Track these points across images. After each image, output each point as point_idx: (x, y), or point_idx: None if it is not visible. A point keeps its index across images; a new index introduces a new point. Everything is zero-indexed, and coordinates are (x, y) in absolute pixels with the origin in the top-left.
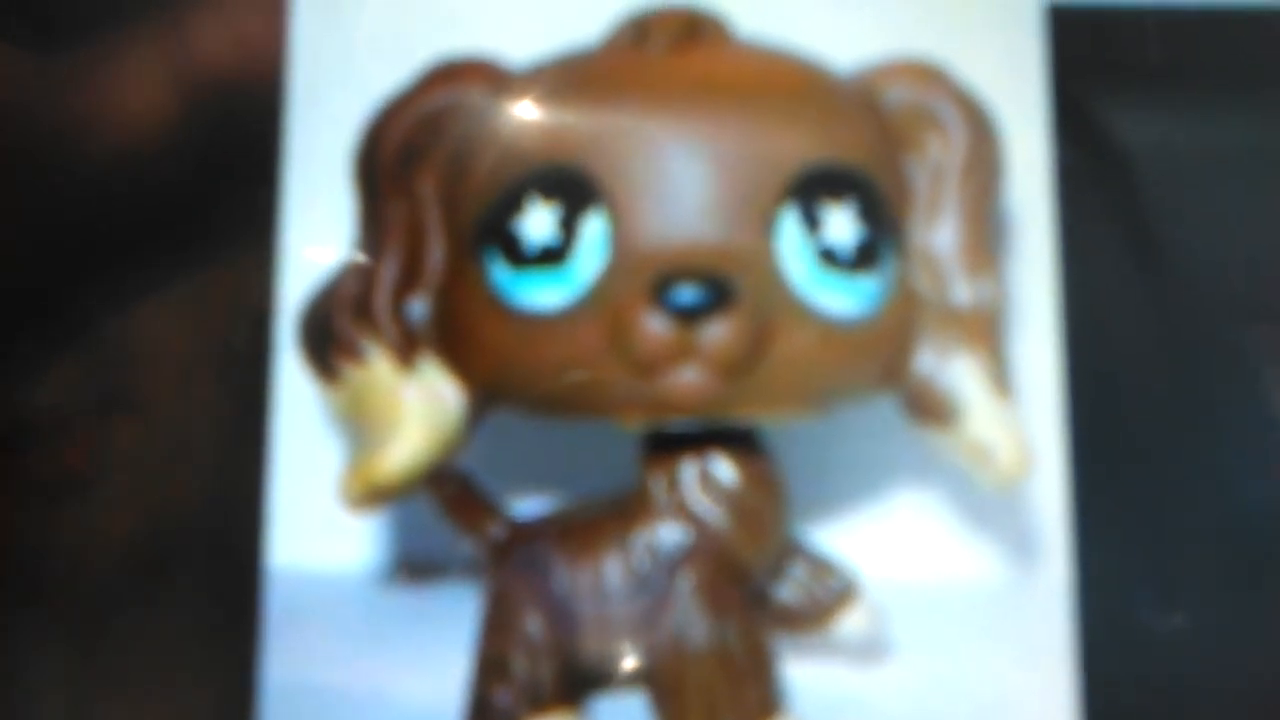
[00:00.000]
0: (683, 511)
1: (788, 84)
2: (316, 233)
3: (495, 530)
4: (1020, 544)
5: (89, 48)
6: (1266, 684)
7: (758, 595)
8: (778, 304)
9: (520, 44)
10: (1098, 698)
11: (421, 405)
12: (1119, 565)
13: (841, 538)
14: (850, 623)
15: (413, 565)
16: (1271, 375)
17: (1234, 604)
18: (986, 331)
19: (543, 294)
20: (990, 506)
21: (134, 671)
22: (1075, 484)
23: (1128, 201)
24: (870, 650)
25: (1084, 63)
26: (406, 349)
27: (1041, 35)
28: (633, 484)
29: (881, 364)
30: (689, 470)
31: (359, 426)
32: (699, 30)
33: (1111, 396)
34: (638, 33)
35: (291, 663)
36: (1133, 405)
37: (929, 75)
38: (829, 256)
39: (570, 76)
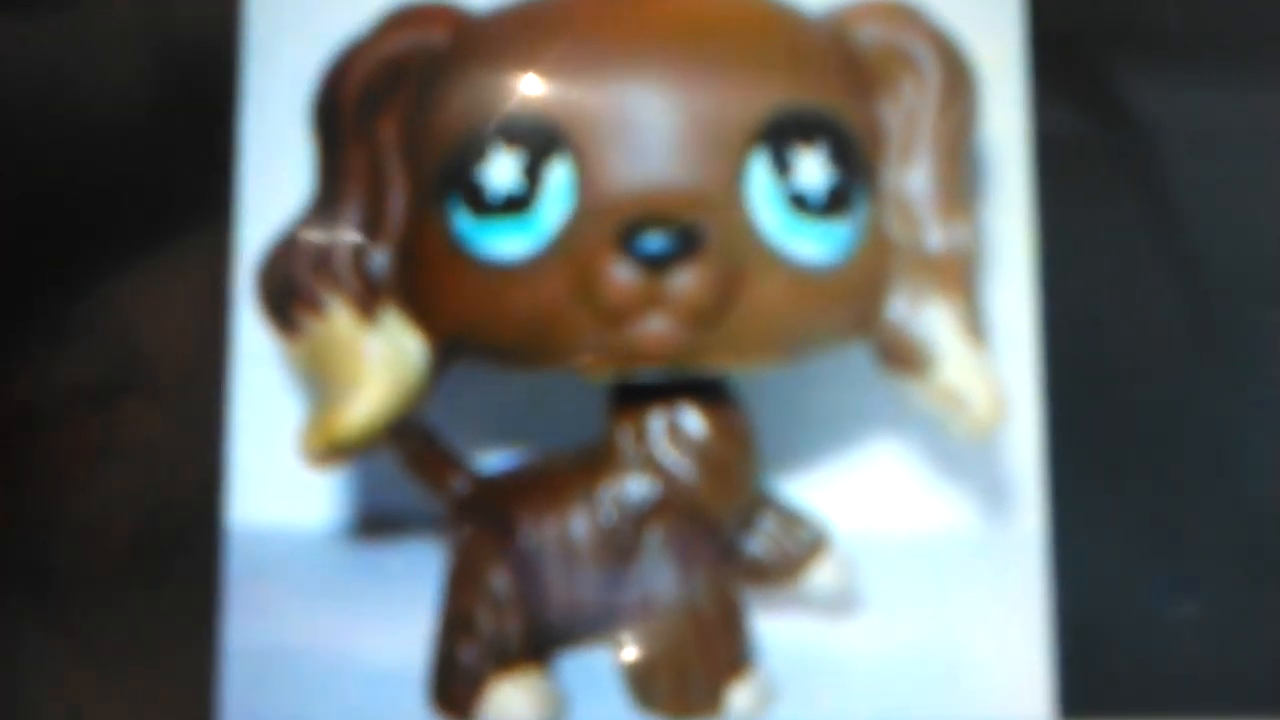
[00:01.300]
0: (650, 464)
1: (756, 25)
2: (275, 184)
3: (459, 485)
4: (994, 494)
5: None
6: (1241, 630)
7: (727, 549)
8: (747, 251)
9: None
10: (1071, 649)
11: (383, 358)
12: (1093, 515)
13: (812, 489)
14: (821, 576)
15: (375, 521)
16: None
17: (1212, 555)
18: (961, 277)
19: (507, 243)
20: (963, 456)
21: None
22: (1050, 432)
23: (1124, 160)
24: (841, 603)
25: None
26: (368, 301)
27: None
28: (599, 436)
29: (853, 311)
30: (657, 422)
31: (319, 380)
32: None
33: (1088, 343)
34: None
35: (254, 622)
36: (1110, 352)
37: (902, 14)
38: (800, 201)
39: (533, 20)
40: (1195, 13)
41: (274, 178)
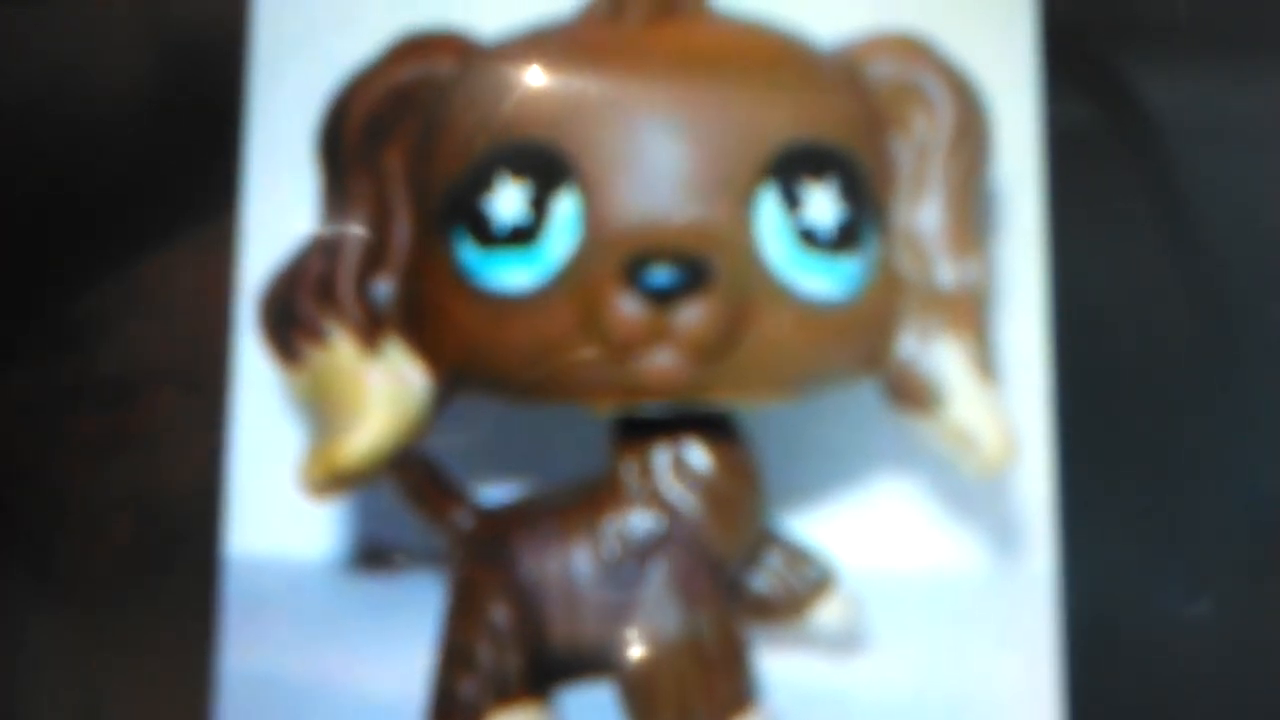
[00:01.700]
0: (655, 499)
1: (767, 58)
2: (279, 212)
3: (461, 518)
4: (1003, 533)
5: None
6: (1255, 675)
7: (732, 585)
8: (755, 285)
9: (491, 16)
10: (1081, 690)
11: (385, 389)
12: (1104, 555)
13: (819, 526)
14: (827, 614)
15: (376, 553)
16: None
17: (1223, 594)
18: (971, 314)
19: (512, 274)
20: (973, 495)
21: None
22: (1061, 471)
23: (1143, 169)
24: (847, 642)
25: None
26: (371, 331)
27: (1035, 10)
28: (603, 470)
29: (862, 348)
30: (662, 456)
31: (321, 410)
32: (676, 1)
33: (1100, 382)
34: (613, 4)
35: (250, 652)
36: (1122, 392)
37: (914, 49)
38: (809, 237)
39: (542, 50)
40: (1206, 6)
41: (278, 205)
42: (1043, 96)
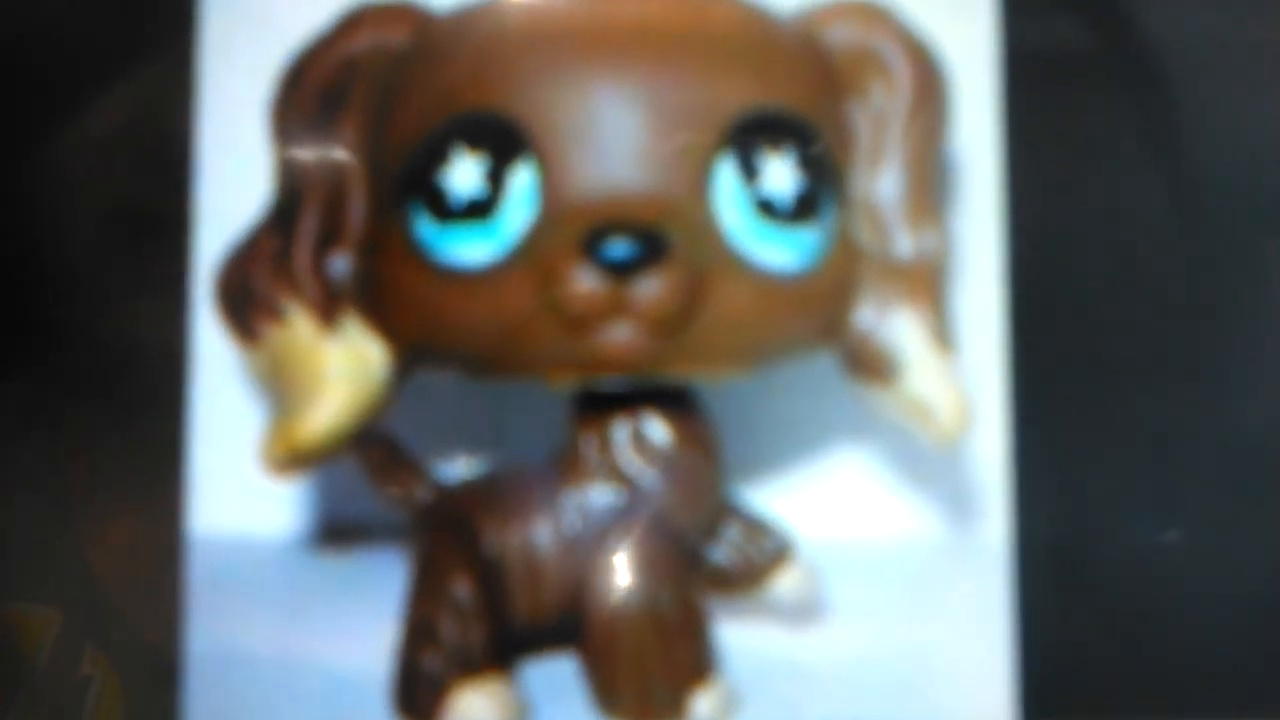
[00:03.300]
0: (615, 473)
1: (724, 26)
2: (233, 189)
3: (422, 493)
4: (959, 502)
5: None
6: (1208, 644)
7: (692, 557)
8: (713, 257)
9: None
10: (1034, 655)
11: (344, 366)
12: (1058, 524)
13: (777, 498)
14: (785, 584)
15: (338, 530)
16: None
17: (1175, 564)
18: (929, 285)
19: (469, 249)
20: (928, 463)
21: None
22: (1016, 439)
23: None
24: (805, 611)
25: None
26: (328, 307)
27: None
28: (563, 445)
29: (820, 319)
30: (621, 430)
31: (280, 388)
32: None
33: (1056, 351)
34: None
35: (216, 630)
36: (1078, 361)
37: (872, 15)
38: (767, 207)
39: (497, 20)
40: None
41: (232, 181)
42: (1005, 56)
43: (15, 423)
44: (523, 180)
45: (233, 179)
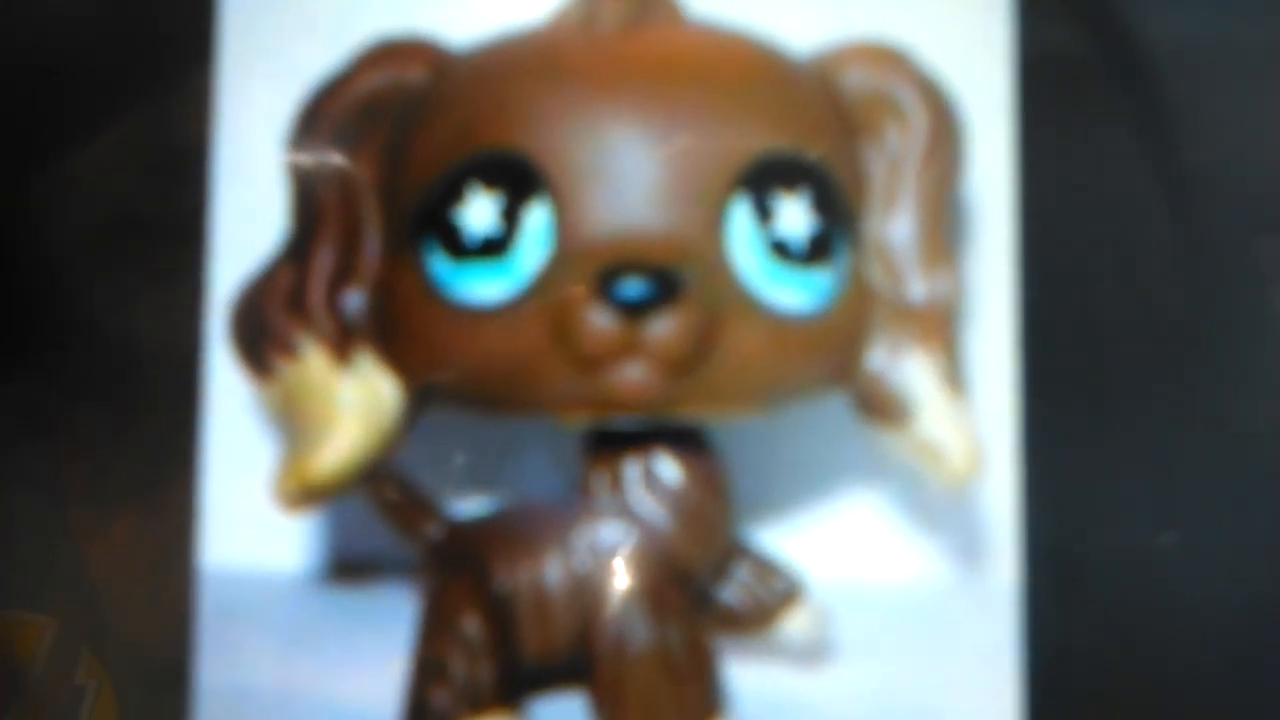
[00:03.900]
0: (626, 511)
1: (741, 68)
2: (250, 223)
3: (433, 530)
4: (969, 546)
5: None
6: (1211, 685)
7: (701, 596)
8: (726, 298)
9: (462, 22)
10: (1042, 700)
11: (357, 402)
12: (1068, 571)
13: (787, 538)
14: (794, 625)
15: (349, 565)
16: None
17: (1179, 611)
18: (941, 328)
19: (483, 286)
20: (939, 506)
21: None
22: (1027, 484)
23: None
24: (814, 652)
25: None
26: (342, 343)
27: (1011, 19)
28: (575, 483)
29: (832, 361)
30: (633, 469)
31: (293, 423)
32: (650, 9)
33: (1068, 395)
34: (586, 12)
35: (226, 663)
36: (1089, 405)
37: (889, 59)
38: (781, 249)
39: (514, 58)
40: None
41: (249, 216)
42: (1020, 105)
43: (20, 434)
44: (538, 219)
45: (249, 212)
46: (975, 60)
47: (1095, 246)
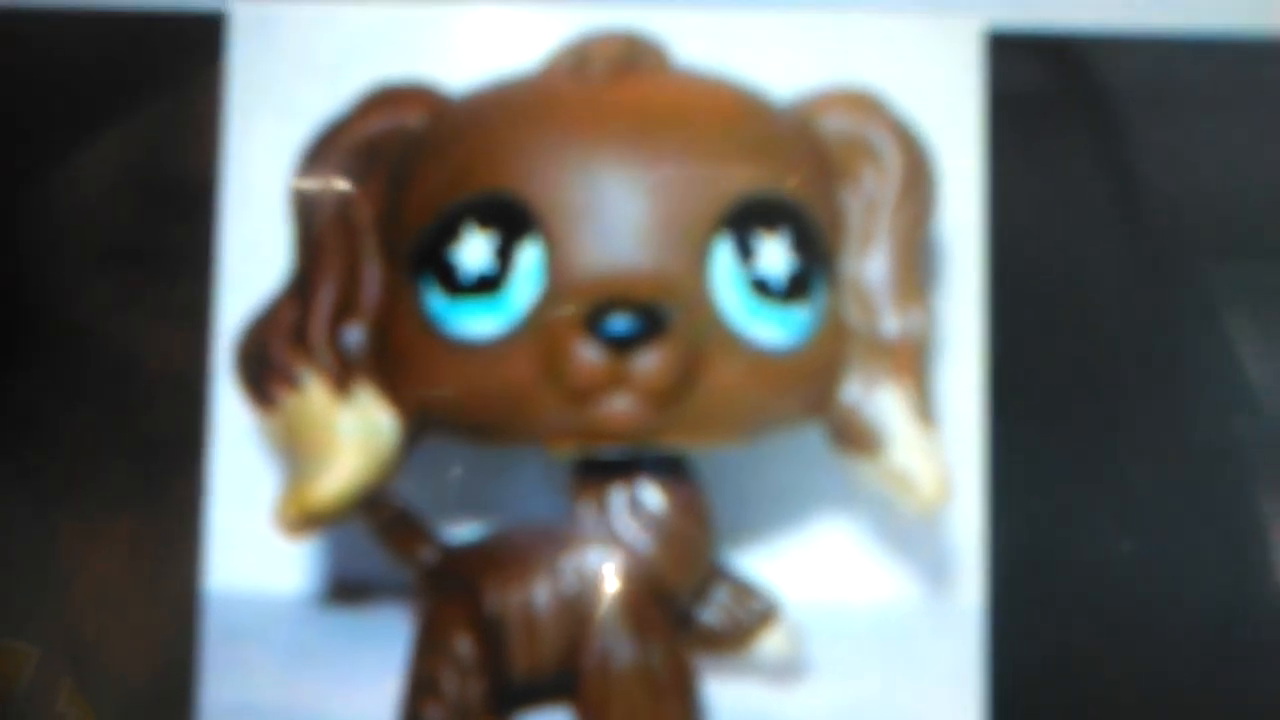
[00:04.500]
0: (611, 537)
1: (724, 113)
2: (255, 260)
3: (428, 554)
4: (937, 570)
5: None
6: (1169, 697)
7: (682, 617)
8: (709, 333)
9: (459, 70)
10: (1005, 715)
11: (357, 432)
12: (1031, 593)
13: (765, 562)
14: (771, 644)
15: (347, 588)
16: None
17: (1144, 630)
18: (913, 363)
19: (478, 322)
20: (909, 533)
21: None
22: (993, 510)
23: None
24: (790, 670)
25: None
26: (342, 376)
27: (980, 66)
28: (563, 510)
29: (810, 394)
30: (618, 497)
31: (295, 452)
32: (638, 57)
33: (1033, 430)
34: (577, 59)
35: (229, 682)
36: (1053, 439)
37: (865, 105)
38: (761, 287)
39: (508, 104)
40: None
41: (254, 254)
42: (990, 149)
43: (10, 458)
44: (530, 257)
45: (257, 230)
46: (946, 101)
47: (1059, 277)
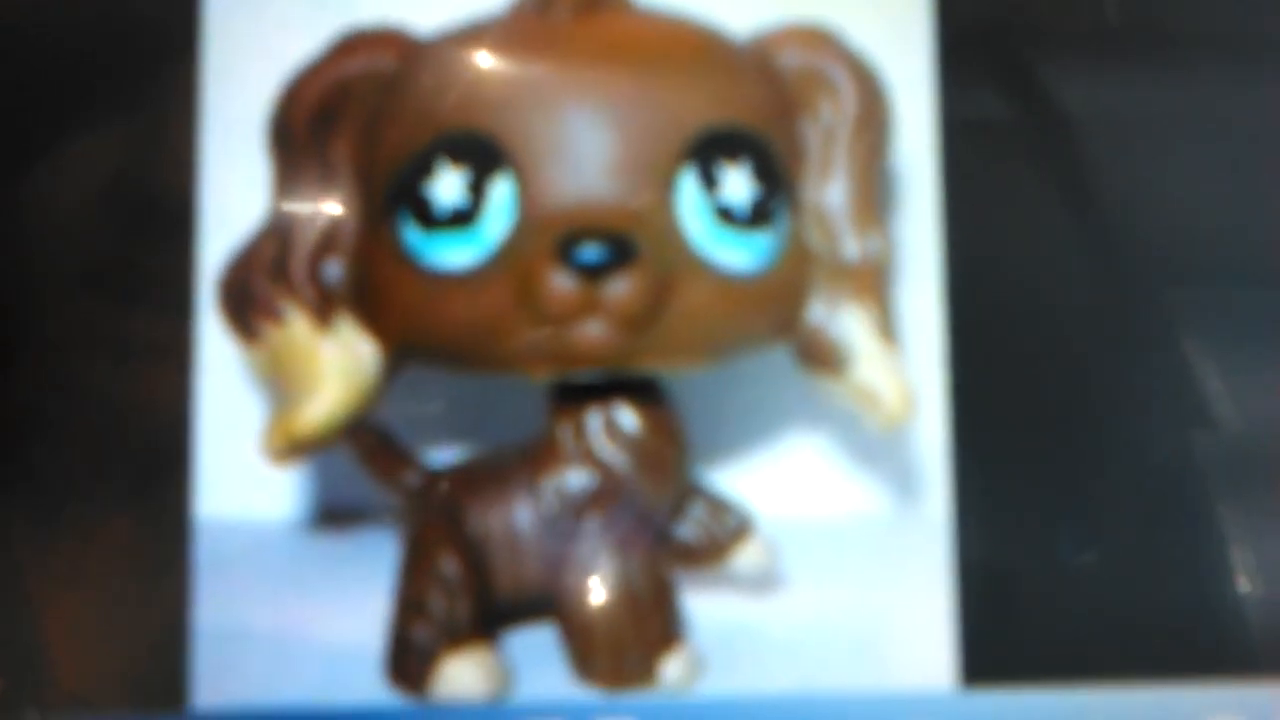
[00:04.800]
0: (589, 458)
1: (686, 49)
2: (235, 199)
3: (411, 479)
4: (903, 482)
5: None
6: (1140, 613)
7: (660, 534)
8: (677, 260)
9: (428, 14)
10: (973, 623)
11: (339, 362)
12: (995, 501)
13: (738, 479)
14: (745, 558)
15: (334, 513)
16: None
17: (1107, 541)
18: (874, 284)
19: (453, 254)
20: (875, 447)
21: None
22: (955, 425)
23: (1053, 158)
24: (764, 582)
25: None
26: (323, 309)
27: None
28: (541, 433)
29: (775, 316)
30: (595, 419)
31: (279, 383)
32: None
33: (991, 345)
34: (542, 1)
35: (221, 607)
36: (1015, 346)
37: (820, 39)
38: (726, 214)
39: (477, 44)
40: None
41: (234, 193)
42: (941, 83)
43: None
44: (502, 192)
45: (235, 181)
46: (898, 36)
47: (1012, 199)
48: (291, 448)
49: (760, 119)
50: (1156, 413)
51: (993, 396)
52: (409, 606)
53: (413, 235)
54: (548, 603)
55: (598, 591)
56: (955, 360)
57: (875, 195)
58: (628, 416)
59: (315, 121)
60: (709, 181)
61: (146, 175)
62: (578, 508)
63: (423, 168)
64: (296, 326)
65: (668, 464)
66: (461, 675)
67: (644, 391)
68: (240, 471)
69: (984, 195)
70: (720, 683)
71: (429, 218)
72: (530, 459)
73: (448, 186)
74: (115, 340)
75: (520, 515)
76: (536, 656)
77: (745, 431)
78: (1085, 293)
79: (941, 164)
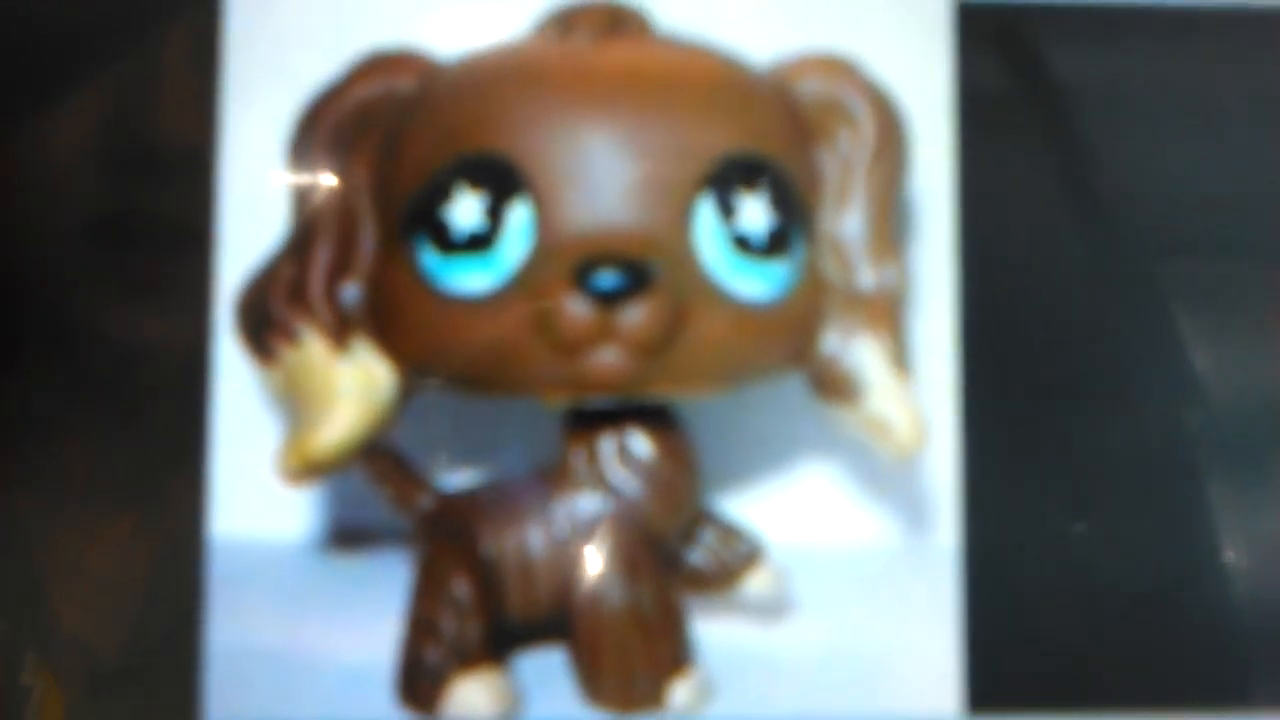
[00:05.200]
0: (601, 482)
1: (706, 77)
2: (254, 221)
3: (424, 501)
4: (914, 512)
5: None
6: (1144, 649)
7: (670, 559)
8: (693, 287)
9: (449, 37)
10: (980, 653)
11: (354, 384)
12: (1004, 532)
13: (749, 506)
14: (756, 584)
15: (348, 534)
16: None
17: (1114, 569)
18: (889, 314)
19: (470, 279)
20: (887, 477)
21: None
22: (967, 456)
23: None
24: (774, 609)
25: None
26: (340, 331)
27: (951, 30)
28: (555, 458)
29: (790, 345)
30: (608, 444)
31: (295, 404)
32: (621, 24)
33: (1004, 378)
34: (563, 26)
35: (234, 627)
36: (1026, 387)
37: (840, 69)
38: (742, 242)
39: (497, 68)
40: None
41: (253, 214)
42: (956, 118)
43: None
44: (520, 216)
45: (254, 194)
46: (918, 67)
47: (1025, 242)
48: (306, 469)
49: (778, 148)
50: (1184, 446)
51: (1005, 428)
52: (420, 627)
53: (430, 258)
54: (558, 625)
55: (607, 615)
56: (968, 391)
57: (891, 225)
58: (640, 442)
59: (334, 144)
60: (726, 209)
61: (161, 198)
62: (589, 532)
63: (441, 191)
64: (313, 348)
65: (679, 490)
66: (471, 697)
67: (657, 417)
68: (255, 492)
69: (999, 227)
70: (729, 708)
71: (446, 241)
72: (543, 483)
73: (465, 210)
74: (133, 362)
75: (532, 538)
76: (546, 679)
77: (757, 458)
78: (1106, 325)
79: (959, 194)
